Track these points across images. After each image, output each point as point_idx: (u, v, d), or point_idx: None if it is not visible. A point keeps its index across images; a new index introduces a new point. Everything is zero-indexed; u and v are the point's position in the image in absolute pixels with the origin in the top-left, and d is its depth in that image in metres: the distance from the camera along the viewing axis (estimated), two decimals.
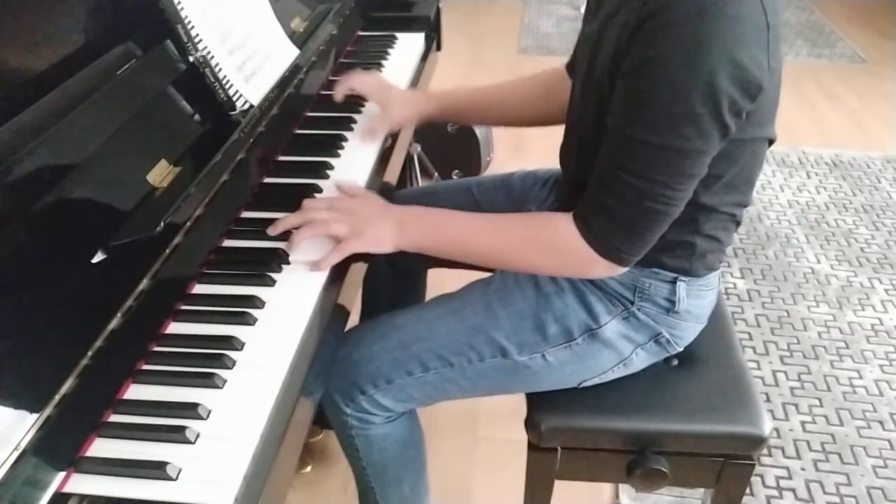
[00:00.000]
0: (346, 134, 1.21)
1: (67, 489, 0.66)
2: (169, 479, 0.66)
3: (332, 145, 1.17)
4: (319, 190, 1.07)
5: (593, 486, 1.51)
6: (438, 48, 1.70)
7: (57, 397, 0.66)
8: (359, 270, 1.05)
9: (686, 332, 1.06)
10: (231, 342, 0.81)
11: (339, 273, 0.96)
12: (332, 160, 1.14)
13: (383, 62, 1.47)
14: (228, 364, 0.78)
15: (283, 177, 1.11)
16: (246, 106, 1.06)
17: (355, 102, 1.29)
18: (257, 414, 0.73)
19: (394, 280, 1.40)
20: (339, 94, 1.25)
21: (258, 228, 0.99)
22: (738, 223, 1.00)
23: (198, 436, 0.71)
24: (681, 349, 1.08)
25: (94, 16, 0.93)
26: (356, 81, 1.25)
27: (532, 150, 2.65)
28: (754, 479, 1.53)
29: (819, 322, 1.97)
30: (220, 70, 1.03)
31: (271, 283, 0.90)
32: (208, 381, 0.76)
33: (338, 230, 0.95)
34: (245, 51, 1.10)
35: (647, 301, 1.01)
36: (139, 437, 0.71)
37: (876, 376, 1.80)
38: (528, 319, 1.03)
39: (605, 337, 1.02)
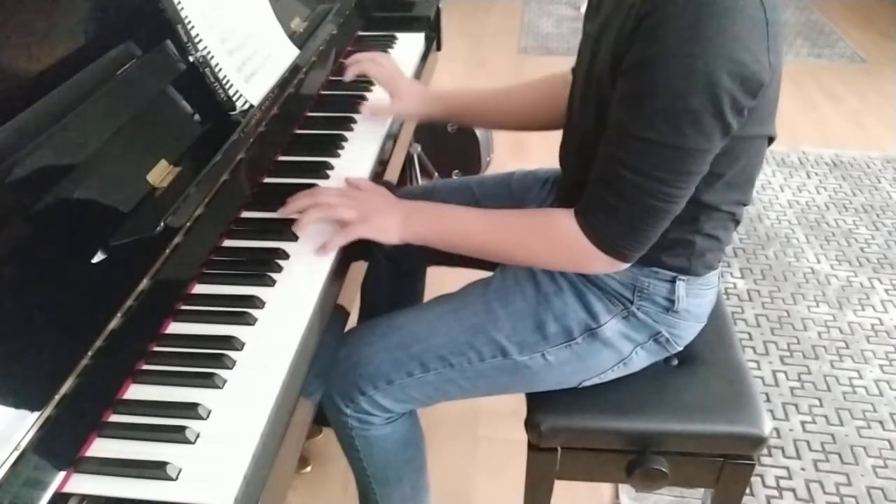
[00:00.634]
0: (346, 134, 1.21)
1: (67, 489, 0.66)
2: (169, 479, 0.66)
3: (332, 145, 1.17)
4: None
5: (593, 486, 1.51)
6: (438, 48, 1.70)
7: (57, 397, 0.66)
8: (359, 270, 1.06)
9: (686, 331, 1.06)
10: (231, 342, 0.81)
11: (339, 273, 0.96)
12: (332, 160, 1.14)
13: None
14: (228, 364, 0.78)
15: (283, 177, 1.11)
16: (246, 106, 1.06)
17: (356, 102, 1.29)
18: (257, 414, 0.73)
19: (393, 280, 1.40)
20: (349, 74, 1.26)
21: (258, 228, 1.00)
22: (737, 222, 1.00)
23: (198, 436, 0.71)
24: (680, 349, 1.08)
25: (94, 16, 0.93)
26: (368, 65, 1.25)
27: (532, 150, 2.65)
28: (754, 479, 1.53)
29: (819, 322, 1.97)
30: (220, 70, 1.03)
31: (271, 283, 0.90)
32: (208, 381, 0.76)
33: (345, 214, 0.97)
34: (245, 51, 1.10)
35: (646, 300, 1.01)
36: (139, 437, 0.71)
37: (876, 376, 1.80)
38: (528, 319, 1.03)
39: (605, 336, 1.02)
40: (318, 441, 1.59)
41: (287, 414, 0.77)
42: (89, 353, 0.70)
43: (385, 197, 1.03)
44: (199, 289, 0.90)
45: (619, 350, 1.03)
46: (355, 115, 1.26)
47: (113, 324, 0.74)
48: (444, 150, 2.36)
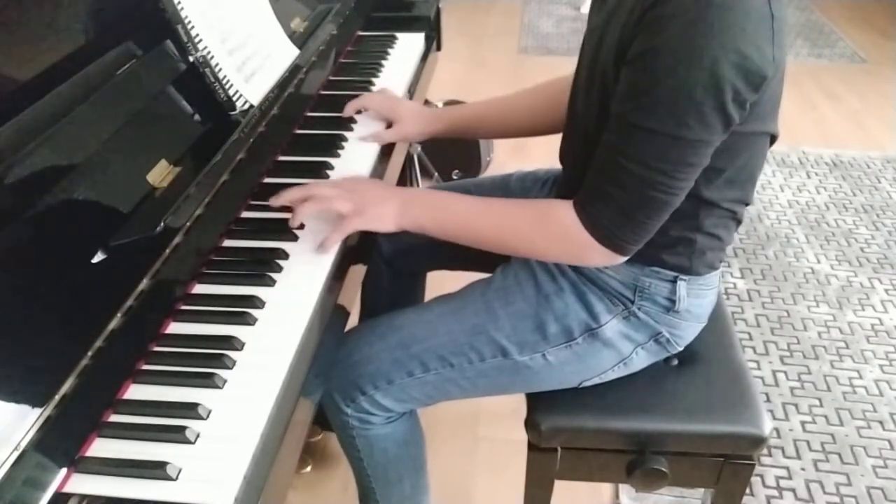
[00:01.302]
0: (346, 134, 1.21)
1: (67, 489, 0.66)
2: (169, 479, 0.66)
3: (332, 145, 1.17)
4: None
5: (593, 486, 1.51)
6: (438, 48, 1.70)
7: (57, 397, 0.66)
8: (358, 271, 1.06)
9: (686, 331, 1.06)
10: (231, 342, 0.81)
11: (339, 273, 0.96)
12: (332, 160, 1.14)
13: (383, 62, 1.46)
14: (228, 364, 0.78)
15: (283, 177, 1.11)
16: (246, 106, 1.06)
17: None
18: (257, 414, 0.73)
19: (393, 281, 1.40)
20: (349, 110, 1.25)
21: (258, 228, 1.00)
22: (738, 221, 1.00)
23: (198, 436, 0.71)
24: (681, 349, 1.08)
25: (94, 16, 0.93)
26: (367, 101, 1.26)
27: (532, 151, 2.65)
28: (754, 479, 1.53)
29: (819, 322, 1.97)
30: (220, 70, 1.03)
31: (271, 283, 0.90)
32: (208, 381, 0.76)
33: (340, 206, 0.96)
34: (245, 51, 1.10)
35: (647, 300, 1.01)
36: (139, 437, 0.70)
37: (876, 376, 1.80)
38: (529, 319, 1.03)
39: (606, 336, 1.02)
40: (318, 441, 1.59)
41: (287, 414, 0.77)
42: (89, 353, 0.70)
43: (380, 186, 1.03)
44: (199, 289, 0.90)
45: (620, 350, 1.03)
46: (355, 115, 1.26)
47: (113, 324, 0.74)
48: (444, 151, 2.36)
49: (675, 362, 1.11)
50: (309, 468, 1.53)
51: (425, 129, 1.26)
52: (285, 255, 0.94)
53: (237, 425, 0.72)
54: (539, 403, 1.07)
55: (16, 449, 0.62)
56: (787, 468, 1.57)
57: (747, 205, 0.99)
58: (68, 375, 0.68)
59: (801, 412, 1.70)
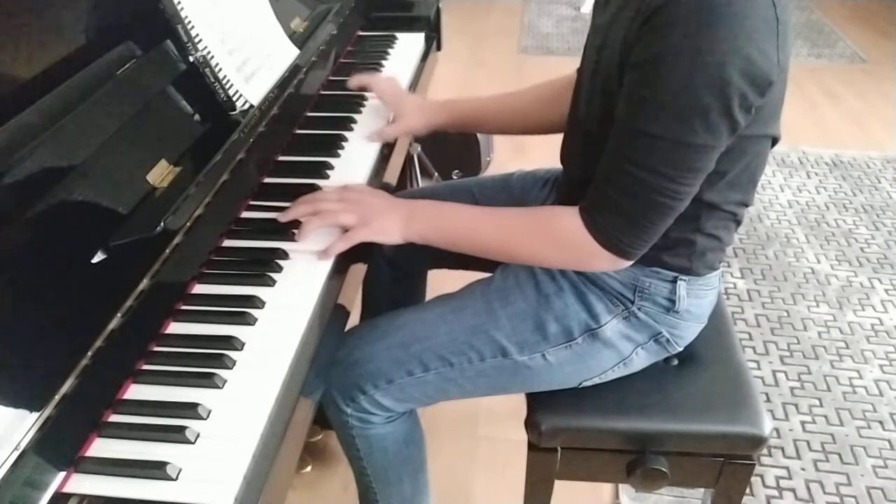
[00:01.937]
0: (346, 134, 1.21)
1: (67, 489, 0.66)
2: (169, 479, 0.66)
3: (332, 145, 1.17)
4: (319, 190, 1.07)
5: (593, 486, 1.51)
6: (438, 48, 1.70)
7: (57, 397, 0.66)
8: (359, 270, 1.06)
9: (686, 331, 1.06)
10: (231, 342, 0.81)
11: (339, 273, 0.96)
12: (332, 160, 1.14)
13: (383, 62, 1.47)
14: (228, 364, 0.78)
15: (283, 177, 1.11)
16: (246, 106, 1.06)
17: (356, 102, 1.29)
18: (257, 414, 0.73)
19: (394, 281, 1.40)
20: (353, 83, 1.26)
21: (258, 228, 1.00)
22: (738, 222, 1.00)
23: (198, 436, 0.71)
24: (681, 349, 1.08)
25: (95, 16, 0.93)
26: (374, 82, 1.27)
27: (532, 150, 2.65)
28: (754, 479, 1.53)
29: (819, 322, 1.97)
30: (220, 70, 1.03)
31: (271, 283, 0.90)
32: (208, 381, 0.76)
33: (346, 220, 0.97)
34: (245, 51, 1.10)
35: (647, 300, 1.01)
36: (139, 437, 0.71)
37: (876, 376, 1.80)
38: (529, 319, 1.03)
39: (606, 336, 1.02)
40: (318, 441, 1.59)
41: (287, 414, 0.77)
42: (89, 353, 0.70)
43: (383, 198, 1.03)
44: (199, 289, 0.90)
45: (620, 350, 1.03)
46: (355, 115, 1.26)
47: (113, 324, 0.74)
48: (444, 151, 2.36)
49: (675, 362, 1.11)
50: (309, 468, 1.54)
51: (429, 122, 1.26)
52: (285, 255, 0.94)
53: (237, 425, 0.72)
54: (539, 403, 1.07)
55: (16, 449, 0.62)
56: (787, 468, 1.57)
57: (748, 206, 0.99)
58: (68, 375, 0.68)
59: (801, 412, 1.70)
